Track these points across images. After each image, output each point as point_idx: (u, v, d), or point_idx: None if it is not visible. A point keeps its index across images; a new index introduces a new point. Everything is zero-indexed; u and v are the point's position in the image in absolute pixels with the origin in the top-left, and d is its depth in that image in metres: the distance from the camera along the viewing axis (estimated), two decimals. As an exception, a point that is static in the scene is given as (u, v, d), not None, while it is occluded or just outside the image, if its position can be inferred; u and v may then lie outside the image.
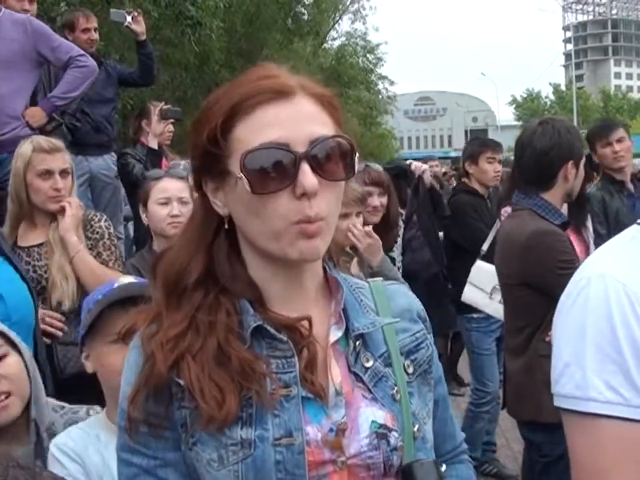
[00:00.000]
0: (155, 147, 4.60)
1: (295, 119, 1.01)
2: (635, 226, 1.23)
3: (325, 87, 1.09)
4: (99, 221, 2.81)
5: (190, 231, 1.13)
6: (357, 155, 1.06)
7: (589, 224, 3.36)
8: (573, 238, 3.17)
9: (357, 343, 1.09)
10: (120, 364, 1.19)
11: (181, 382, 1.01)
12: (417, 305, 1.21)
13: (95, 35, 4.96)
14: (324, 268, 1.13)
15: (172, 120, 4.83)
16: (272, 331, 1.04)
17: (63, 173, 2.70)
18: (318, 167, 1.00)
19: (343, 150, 1.04)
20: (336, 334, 1.08)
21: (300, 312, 1.06)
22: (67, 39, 4.70)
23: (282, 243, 1.01)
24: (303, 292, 1.09)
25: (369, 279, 1.23)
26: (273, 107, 1.01)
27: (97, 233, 2.76)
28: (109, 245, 2.76)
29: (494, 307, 3.81)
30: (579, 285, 1.15)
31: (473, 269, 4.03)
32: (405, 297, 1.21)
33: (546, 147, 2.64)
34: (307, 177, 0.98)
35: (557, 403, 1.16)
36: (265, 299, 1.07)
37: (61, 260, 2.58)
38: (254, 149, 1.00)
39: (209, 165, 1.06)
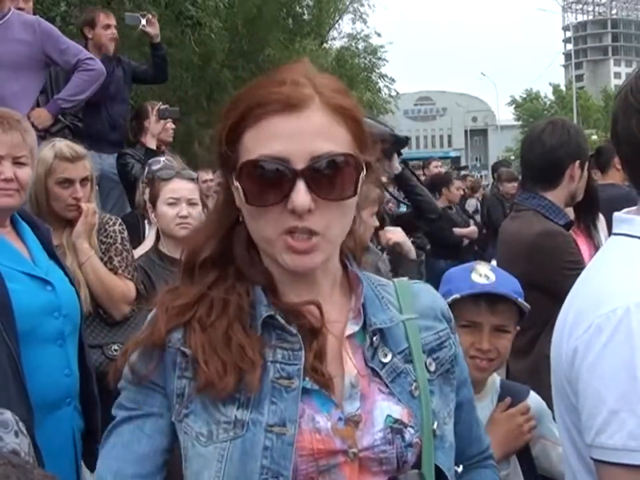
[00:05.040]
0: (153, 146, 4.60)
1: (300, 134, 0.99)
2: (623, 240, 1.19)
3: (349, 97, 1.05)
4: (113, 224, 2.80)
5: (212, 213, 1.16)
6: (364, 172, 1.03)
7: (601, 227, 3.27)
8: (582, 241, 3.13)
9: (375, 338, 1.08)
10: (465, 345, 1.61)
11: (187, 351, 1.03)
12: (441, 303, 1.21)
13: (115, 31, 4.97)
14: (344, 264, 1.14)
15: (170, 120, 4.85)
16: (282, 322, 1.04)
17: (84, 180, 2.69)
18: (315, 185, 0.98)
19: (346, 168, 1.01)
20: (352, 328, 1.08)
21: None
22: (86, 37, 4.72)
23: (274, 250, 1.02)
24: (314, 287, 1.09)
25: (394, 278, 1.23)
26: (280, 119, 0.99)
27: (111, 237, 2.76)
28: (120, 250, 2.76)
29: None
30: (612, 318, 1.04)
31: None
32: (429, 295, 1.21)
33: (555, 145, 2.65)
34: (300, 195, 0.97)
35: (601, 456, 1.03)
36: (278, 289, 1.08)
37: (73, 265, 2.58)
38: (252, 160, 1.00)
39: (223, 163, 1.07)
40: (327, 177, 0.99)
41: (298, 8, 20.09)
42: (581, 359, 1.09)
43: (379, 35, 26.94)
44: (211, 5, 11.75)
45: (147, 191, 3.47)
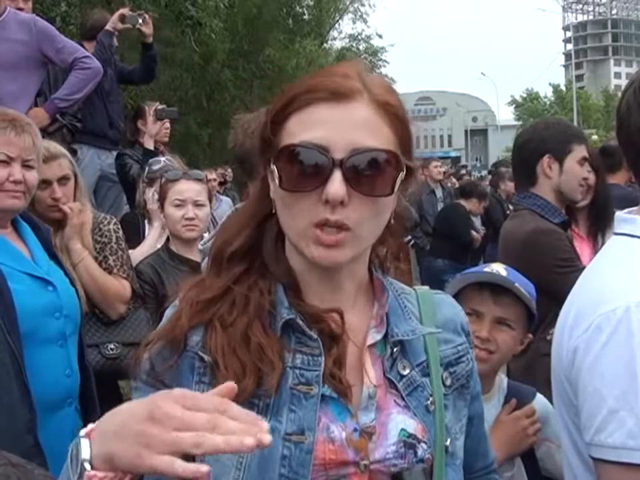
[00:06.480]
0: (151, 147, 4.60)
1: (344, 124, 0.97)
2: (624, 239, 1.18)
3: (397, 97, 1.04)
4: (108, 224, 2.78)
5: (247, 206, 1.15)
6: (404, 173, 1.01)
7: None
8: (585, 245, 3.06)
9: (395, 349, 1.06)
10: None
11: (205, 357, 1.01)
12: (462, 316, 1.19)
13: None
14: (370, 270, 1.12)
15: (167, 120, 4.86)
16: (303, 326, 1.02)
17: (62, 180, 2.66)
18: (352, 178, 0.96)
19: (386, 166, 0.99)
20: (374, 337, 1.06)
21: (333, 306, 1.04)
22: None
23: (302, 243, 1.00)
24: (338, 289, 1.07)
25: (415, 286, 1.20)
26: (326, 107, 0.98)
27: (105, 236, 2.74)
28: (115, 249, 2.74)
29: None
30: (612, 318, 1.04)
31: None
32: (450, 307, 1.19)
33: (521, 143, 2.81)
34: (335, 185, 0.95)
35: (600, 454, 1.04)
36: (300, 289, 1.06)
37: (66, 267, 2.55)
38: (293, 144, 0.98)
39: (265, 149, 1.06)
40: (365, 171, 0.97)
41: (298, 8, 20.08)
42: (581, 358, 1.09)
43: (380, 36, 26.99)
44: (211, 4, 11.73)
45: (148, 190, 3.49)
